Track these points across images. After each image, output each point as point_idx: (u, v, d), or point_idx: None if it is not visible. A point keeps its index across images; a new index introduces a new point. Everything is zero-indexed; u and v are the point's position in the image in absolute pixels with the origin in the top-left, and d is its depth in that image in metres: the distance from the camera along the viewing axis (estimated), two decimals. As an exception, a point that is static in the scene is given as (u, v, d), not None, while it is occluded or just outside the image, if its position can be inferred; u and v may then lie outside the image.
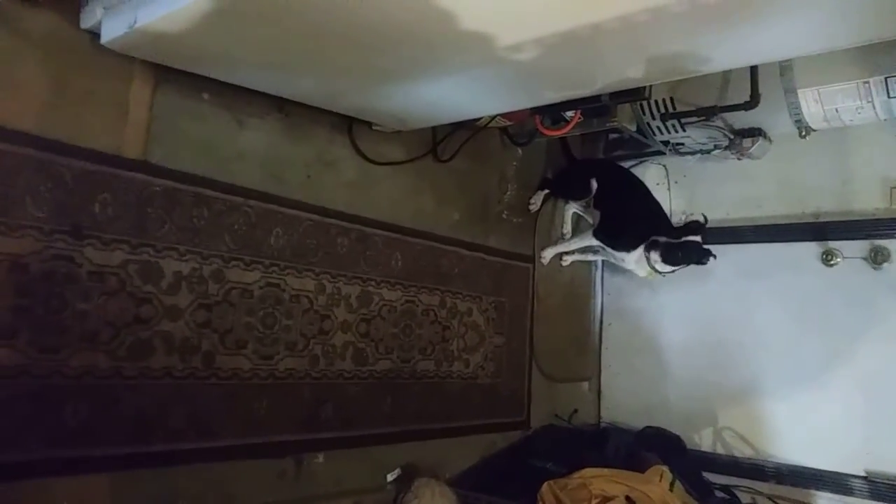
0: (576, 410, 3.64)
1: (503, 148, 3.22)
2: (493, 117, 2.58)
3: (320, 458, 2.35)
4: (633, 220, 3.13)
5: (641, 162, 3.71)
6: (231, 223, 2.07)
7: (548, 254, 3.43)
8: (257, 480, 2.16)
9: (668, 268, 2.96)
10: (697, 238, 2.84)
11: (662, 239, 2.95)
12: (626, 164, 3.61)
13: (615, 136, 3.67)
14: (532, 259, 3.41)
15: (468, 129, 2.81)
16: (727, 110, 2.62)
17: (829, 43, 1.62)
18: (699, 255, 2.89)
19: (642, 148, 3.48)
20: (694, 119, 2.78)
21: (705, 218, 2.94)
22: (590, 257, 3.67)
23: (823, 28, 1.53)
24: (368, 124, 2.45)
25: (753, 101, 2.48)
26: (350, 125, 2.42)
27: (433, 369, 2.82)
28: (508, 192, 3.27)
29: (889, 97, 2.58)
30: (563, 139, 3.47)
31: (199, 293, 2.00)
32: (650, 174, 3.67)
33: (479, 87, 1.96)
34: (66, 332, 1.75)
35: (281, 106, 2.18)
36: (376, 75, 1.84)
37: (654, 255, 2.96)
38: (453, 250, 2.93)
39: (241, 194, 2.09)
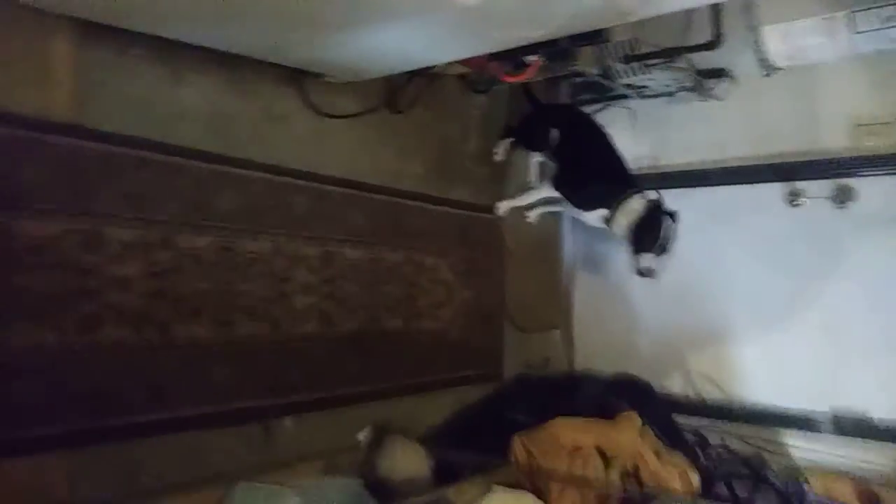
0: (548, 359, 3.65)
1: (464, 96, 3.12)
2: (449, 64, 2.47)
3: (287, 421, 2.31)
4: (592, 176, 3.04)
5: (606, 106, 3.63)
6: (177, 186, 1.97)
7: (504, 206, 3.30)
8: (224, 449, 2.13)
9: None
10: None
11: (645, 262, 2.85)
12: (590, 109, 3.53)
13: (579, 80, 3.57)
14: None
15: (425, 78, 2.71)
16: (690, 51, 2.55)
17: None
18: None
19: (607, 92, 3.41)
20: (657, 61, 2.70)
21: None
22: (556, 208, 3.61)
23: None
24: (319, 76, 2.34)
25: (716, 41, 2.42)
26: (299, 77, 2.30)
27: (401, 327, 2.78)
28: (472, 142, 3.18)
29: (855, 32, 2.53)
30: (526, 85, 3.37)
31: (147, 262, 1.91)
32: (615, 118, 3.59)
33: (430, 34, 1.85)
34: (7, 309, 1.66)
35: (222, 60, 2.05)
36: (317, 21, 1.73)
37: (646, 257, 2.86)
38: (416, 205, 2.86)
39: (184, 155, 1.99)
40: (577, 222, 3.80)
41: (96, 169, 1.80)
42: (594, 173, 3.05)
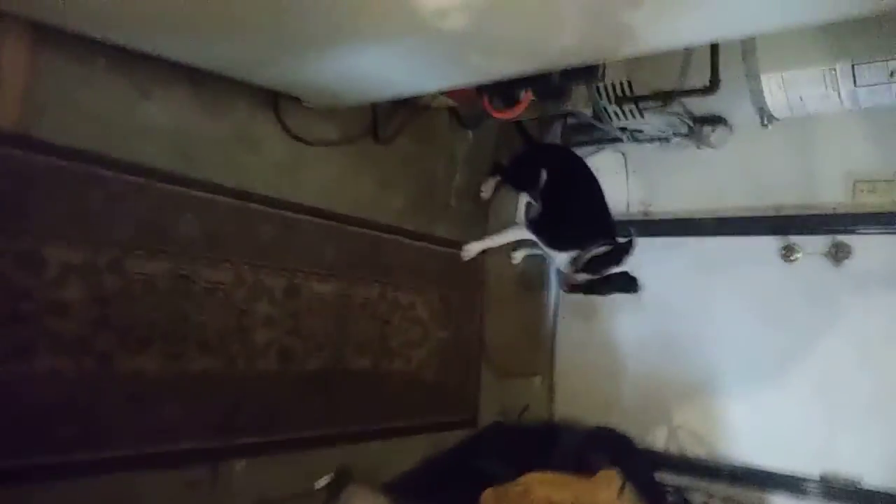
0: (526, 407, 3.49)
1: (452, 130, 3.02)
2: (436, 96, 2.37)
3: (242, 464, 2.15)
4: (573, 222, 2.92)
5: (600, 149, 3.54)
6: (131, 207, 1.84)
7: (472, 248, 3.06)
8: (165, 493, 1.96)
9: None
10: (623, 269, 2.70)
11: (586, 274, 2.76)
12: (583, 151, 3.43)
13: (573, 121, 3.49)
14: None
15: (411, 109, 2.61)
16: (685, 95, 2.46)
17: (784, 18, 1.45)
18: (626, 286, 2.77)
19: (601, 134, 3.32)
20: (651, 104, 2.61)
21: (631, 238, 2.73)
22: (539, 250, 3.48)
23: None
24: (297, 101, 2.23)
25: (713, 86, 2.32)
26: (276, 100, 2.19)
27: (371, 367, 2.62)
28: (458, 178, 3.07)
29: (856, 86, 2.44)
30: (519, 123, 3.28)
31: (92, 286, 1.77)
32: (608, 162, 3.50)
33: (411, 60, 1.75)
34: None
35: (192, 76, 1.94)
36: (292, 40, 1.62)
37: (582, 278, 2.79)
38: (395, 239, 2.73)
39: (142, 174, 1.85)
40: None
41: (41, 183, 1.67)
42: (577, 217, 2.93)
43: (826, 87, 2.44)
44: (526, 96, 2.53)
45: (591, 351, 3.61)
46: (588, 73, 2.25)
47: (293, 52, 1.73)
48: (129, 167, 1.83)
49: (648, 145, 3.30)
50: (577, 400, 3.61)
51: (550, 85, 2.45)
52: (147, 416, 1.90)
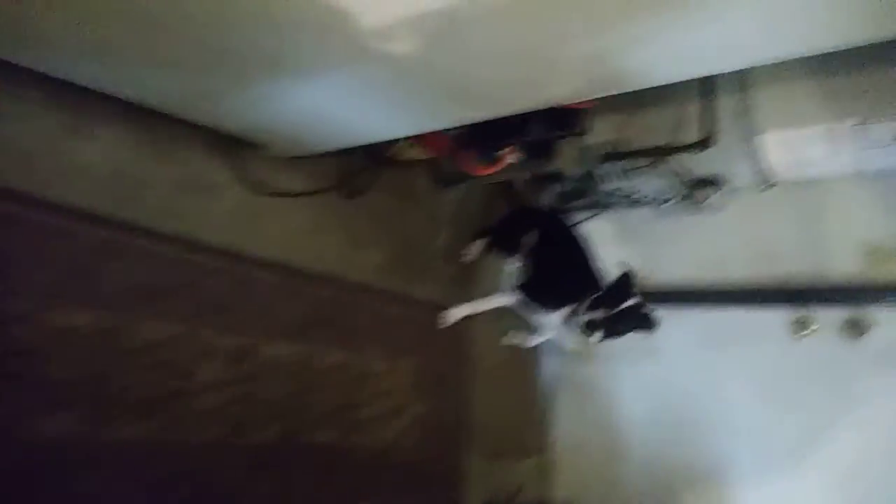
0: (520, 489, 3.16)
1: (434, 188, 2.86)
2: (408, 147, 2.22)
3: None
4: (563, 278, 2.70)
5: (594, 216, 3.35)
6: (52, 252, 1.66)
7: (454, 314, 2.79)
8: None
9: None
10: (637, 300, 2.41)
11: (599, 314, 2.45)
12: (577, 218, 3.25)
13: (566, 187, 3.32)
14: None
15: (384, 162, 2.46)
16: (677, 152, 2.28)
17: (777, 48, 1.29)
18: (641, 322, 2.47)
19: (594, 199, 3.16)
20: (642, 162, 2.44)
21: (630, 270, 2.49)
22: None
23: (768, 30, 1.20)
24: (260, 148, 2.09)
25: (706, 141, 2.15)
26: (234, 147, 2.05)
27: (336, 441, 2.36)
28: (441, 238, 2.89)
29: (863, 148, 2.27)
30: (509, 187, 3.13)
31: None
32: (604, 229, 3.31)
33: (366, 97, 1.60)
34: None
35: (137, 116, 1.80)
36: (227, 69, 1.48)
37: (596, 335, 2.47)
38: (368, 300, 2.53)
39: (68, 216, 1.69)
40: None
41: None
42: (566, 273, 2.71)
43: (830, 147, 2.26)
44: (507, 152, 2.39)
45: (591, 430, 3.31)
46: (569, 120, 2.10)
47: (233, 83, 1.59)
48: (52, 207, 1.66)
49: (647, 212, 3.13)
50: (576, 483, 3.29)
51: (534, 140, 2.31)
52: (58, 490, 1.66)
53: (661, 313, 3.04)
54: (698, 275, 3.07)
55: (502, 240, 2.99)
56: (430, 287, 2.81)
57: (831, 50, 1.27)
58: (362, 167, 2.42)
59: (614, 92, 1.52)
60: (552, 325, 2.66)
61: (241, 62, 1.44)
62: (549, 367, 3.47)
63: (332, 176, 2.36)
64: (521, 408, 3.34)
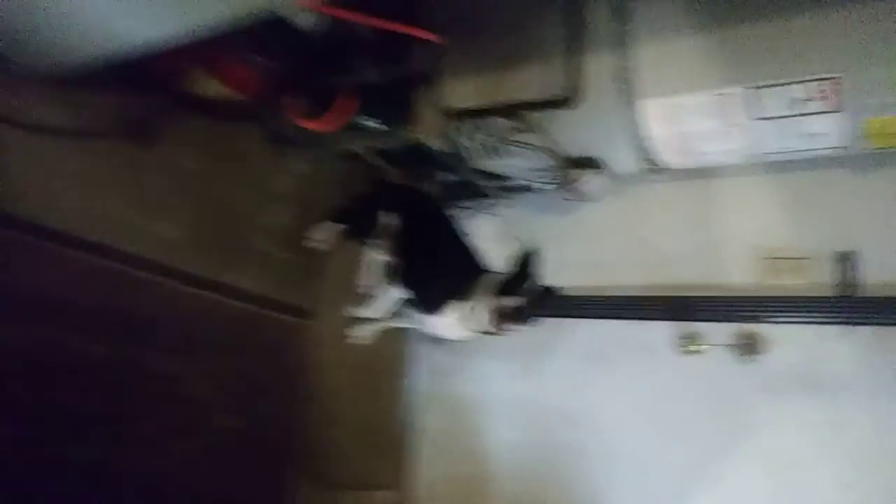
0: (363, 532, 2.65)
1: (274, 151, 2.37)
2: (206, 78, 1.73)
3: None
4: (439, 271, 2.29)
5: (476, 213, 2.94)
6: None
7: (363, 331, 2.47)
8: None
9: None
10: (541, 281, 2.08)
11: (514, 301, 2.07)
12: (458, 215, 2.83)
13: (450, 178, 2.89)
14: (305, 313, 2.51)
15: (194, 107, 1.96)
16: (538, 108, 1.88)
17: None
18: (545, 306, 2.12)
19: (472, 192, 2.76)
20: (508, 131, 2.04)
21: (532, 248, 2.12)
22: (403, 322, 2.76)
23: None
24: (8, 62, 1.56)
25: (572, 97, 1.76)
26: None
27: (96, 460, 1.81)
28: (275, 215, 2.40)
29: (757, 117, 1.91)
30: (378, 170, 2.67)
31: None
32: (482, 229, 2.89)
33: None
34: None
35: None
36: None
37: (513, 325, 2.10)
38: (160, 281, 2.00)
39: None
40: (432, 347, 2.98)
41: None
42: (442, 267, 2.29)
43: (719, 118, 1.91)
44: (344, 104, 1.94)
45: (457, 459, 2.83)
46: (408, 60, 1.68)
47: None
48: None
49: (527, 211, 2.75)
50: (433, 524, 2.80)
51: (373, 88, 1.87)
52: None
53: (541, 326, 2.66)
54: (581, 282, 2.66)
55: (355, 221, 2.53)
56: (252, 275, 2.29)
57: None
58: (158, 107, 1.91)
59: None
60: (440, 327, 2.22)
61: None
62: (420, 382, 2.99)
63: (113, 115, 1.83)
64: (375, 429, 2.83)
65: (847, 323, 2.16)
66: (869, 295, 2.14)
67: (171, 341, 2.02)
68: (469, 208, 2.92)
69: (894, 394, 2.05)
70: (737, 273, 2.41)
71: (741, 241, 2.42)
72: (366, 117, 2.03)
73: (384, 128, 2.14)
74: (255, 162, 2.31)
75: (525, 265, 2.11)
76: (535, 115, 1.91)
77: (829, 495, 2.07)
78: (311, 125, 1.93)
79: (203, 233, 2.13)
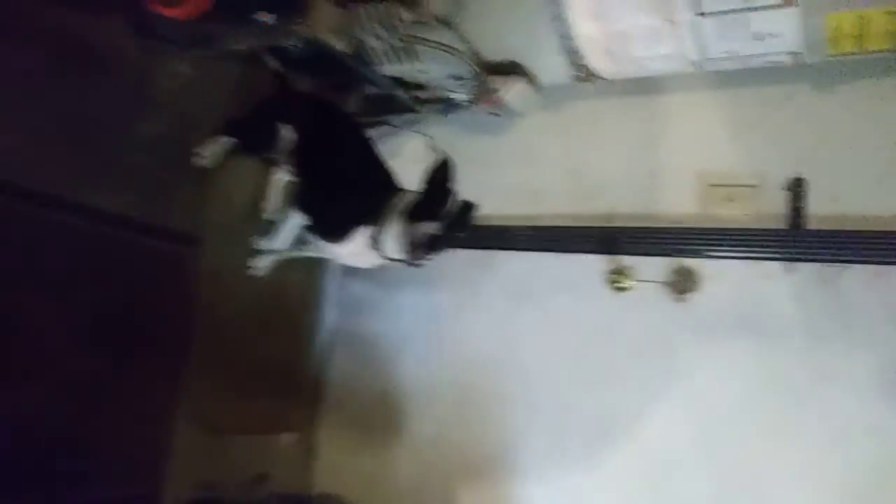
0: (263, 477, 2.43)
1: (149, 49, 1.99)
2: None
3: None
4: (344, 190, 2.00)
5: (401, 131, 2.62)
6: None
7: (263, 261, 2.31)
8: None
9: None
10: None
11: (434, 227, 1.81)
12: (376, 133, 2.51)
13: (374, 91, 2.54)
14: (192, 241, 2.19)
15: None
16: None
17: None
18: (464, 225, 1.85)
19: (394, 107, 2.44)
20: (409, 23, 1.71)
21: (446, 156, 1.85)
22: (308, 251, 2.46)
23: None
24: None
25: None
26: None
27: None
28: (154, 125, 2.04)
29: (699, 13, 1.61)
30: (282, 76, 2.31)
31: None
32: (406, 147, 2.59)
33: None
34: None
35: None
36: None
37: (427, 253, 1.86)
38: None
39: None
40: (348, 278, 2.72)
41: None
42: (347, 186, 2.00)
43: (656, 16, 1.60)
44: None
45: (368, 401, 2.61)
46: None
47: None
48: None
49: (455, 130, 2.44)
50: (341, 470, 2.59)
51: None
52: None
53: (463, 258, 2.40)
54: (509, 210, 2.40)
55: (253, 137, 2.20)
56: (121, 195, 1.96)
57: None
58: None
59: None
60: (344, 256, 2.00)
61: None
62: (331, 318, 2.73)
63: None
64: (278, 371, 2.57)
65: (793, 259, 1.94)
66: (816, 227, 1.91)
67: (19, 272, 1.70)
68: (392, 125, 2.60)
69: (834, 341, 1.85)
70: (678, 202, 2.16)
71: (684, 166, 2.16)
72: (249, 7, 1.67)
73: (272, 21, 1.79)
74: (124, 61, 1.93)
75: (441, 180, 1.83)
76: (439, 4, 1.59)
77: (756, 448, 1.90)
78: (168, 12, 1.57)
79: (51, 143, 1.77)
